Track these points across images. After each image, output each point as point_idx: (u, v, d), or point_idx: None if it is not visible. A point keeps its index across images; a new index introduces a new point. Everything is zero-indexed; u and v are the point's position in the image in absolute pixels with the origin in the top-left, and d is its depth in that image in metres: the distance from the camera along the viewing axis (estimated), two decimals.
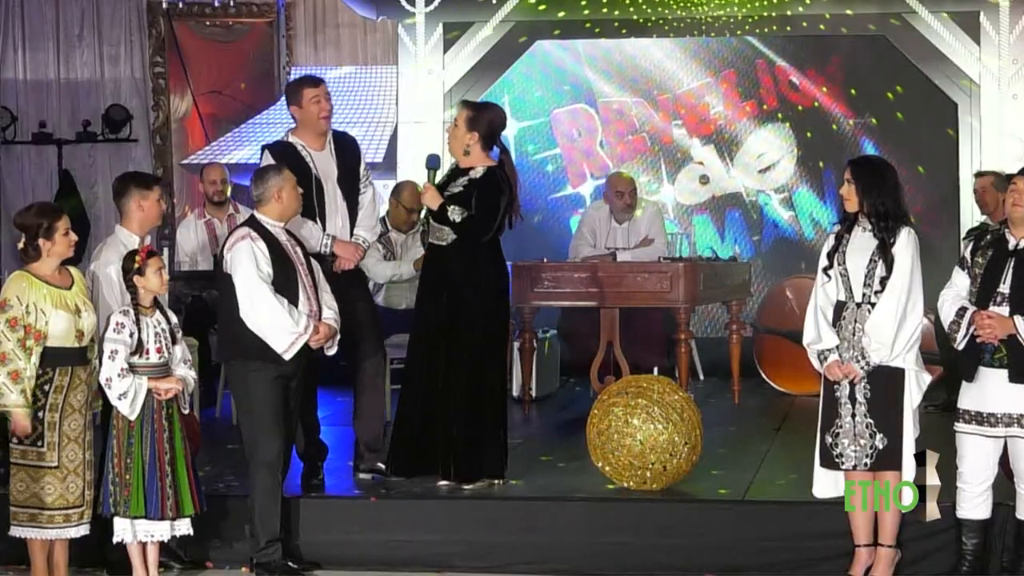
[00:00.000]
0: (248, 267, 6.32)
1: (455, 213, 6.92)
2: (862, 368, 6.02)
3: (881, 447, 6.04)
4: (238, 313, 6.34)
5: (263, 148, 7.29)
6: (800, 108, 11.70)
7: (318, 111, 7.21)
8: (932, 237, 10.79)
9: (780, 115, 11.74)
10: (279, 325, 6.32)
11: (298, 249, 6.59)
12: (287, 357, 6.35)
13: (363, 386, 7.35)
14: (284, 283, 6.40)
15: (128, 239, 6.48)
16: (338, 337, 6.59)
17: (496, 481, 7.04)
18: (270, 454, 6.40)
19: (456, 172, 7.10)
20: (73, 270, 6.31)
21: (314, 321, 6.44)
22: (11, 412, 5.99)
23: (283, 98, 11.86)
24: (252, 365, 6.37)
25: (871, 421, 6.05)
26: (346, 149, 7.38)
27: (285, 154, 7.12)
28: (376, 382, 7.42)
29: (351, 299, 7.22)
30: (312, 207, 7.12)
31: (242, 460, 6.64)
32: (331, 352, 6.61)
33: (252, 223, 6.49)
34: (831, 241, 6.19)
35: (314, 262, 6.68)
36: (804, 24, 11.46)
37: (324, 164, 7.24)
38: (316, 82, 7.29)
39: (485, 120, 7.06)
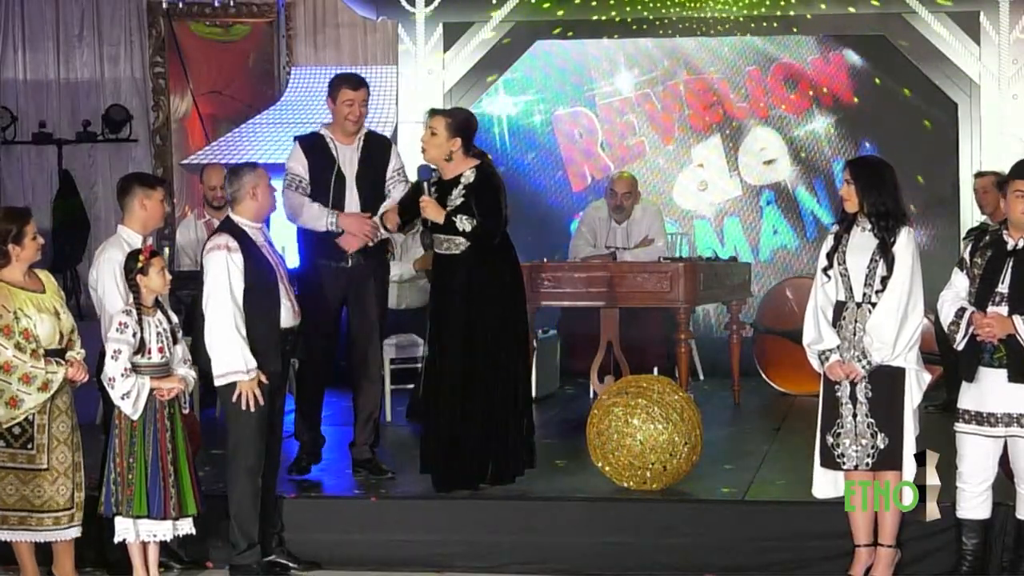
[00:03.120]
0: (220, 281, 6.25)
1: (464, 223, 6.87)
2: (864, 368, 6.02)
3: (882, 447, 6.05)
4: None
5: (295, 139, 7.43)
6: (800, 107, 11.70)
7: (347, 113, 7.29)
8: (932, 237, 10.81)
9: (780, 114, 11.74)
10: (228, 352, 6.24)
11: (274, 250, 6.55)
12: (216, 383, 6.26)
13: (358, 384, 7.42)
14: (264, 287, 6.36)
15: (131, 238, 6.45)
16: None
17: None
18: (251, 458, 6.38)
19: (445, 183, 7.02)
20: (42, 273, 6.27)
21: (299, 318, 6.45)
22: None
23: (283, 98, 11.97)
24: None
25: (872, 421, 6.06)
26: (376, 149, 7.41)
27: (312, 144, 7.28)
28: (371, 382, 7.46)
29: (362, 294, 7.26)
30: (328, 198, 7.17)
31: None
32: None
33: (229, 227, 6.42)
34: (830, 241, 6.19)
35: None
36: (804, 24, 11.46)
37: (349, 159, 7.29)
38: (356, 86, 7.33)
39: (465, 123, 7.00)
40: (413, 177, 7.24)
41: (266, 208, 6.52)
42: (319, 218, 7.19)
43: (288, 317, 6.44)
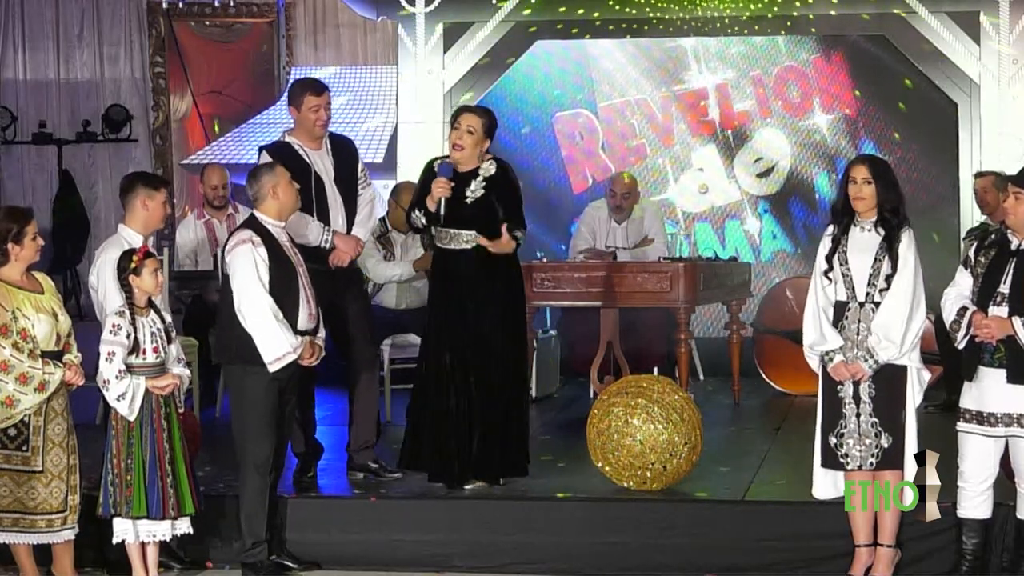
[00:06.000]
0: (248, 273, 6.28)
1: (519, 236, 6.95)
2: (870, 367, 6.02)
3: (887, 446, 6.05)
4: (237, 316, 6.32)
5: (260, 149, 7.31)
6: (800, 108, 11.70)
7: (315, 119, 7.22)
8: (932, 237, 10.80)
9: (780, 115, 11.73)
10: (274, 338, 6.29)
11: (297, 251, 6.57)
12: (271, 370, 6.31)
13: (357, 385, 7.36)
14: (286, 286, 6.36)
15: (131, 238, 6.44)
16: (323, 354, 6.58)
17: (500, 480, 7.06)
18: (260, 456, 6.38)
19: (463, 175, 6.99)
20: (40, 275, 6.25)
21: (315, 322, 6.47)
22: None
23: (283, 98, 11.93)
24: (250, 368, 6.33)
25: (876, 420, 6.06)
26: (343, 150, 7.40)
27: (282, 154, 7.14)
28: (370, 382, 7.42)
29: (347, 298, 7.26)
30: (312, 204, 7.14)
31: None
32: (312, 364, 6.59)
33: (253, 224, 6.44)
34: (827, 243, 6.16)
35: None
36: (804, 24, 11.46)
37: (322, 163, 7.26)
38: (319, 90, 7.26)
39: (494, 125, 7.06)
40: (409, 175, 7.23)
41: (288, 206, 6.51)
42: (316, 234, 7.17)
43: (305, 319, 6.44)
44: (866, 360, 6.03)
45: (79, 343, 6.27)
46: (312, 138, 7.25)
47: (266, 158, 7.10)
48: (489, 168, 6.97)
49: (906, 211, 6.14)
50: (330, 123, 7.34)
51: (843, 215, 6.15)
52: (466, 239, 6.95)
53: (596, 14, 11.57)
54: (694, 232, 11.63)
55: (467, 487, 6.96)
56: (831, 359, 6.08)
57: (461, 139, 6.95)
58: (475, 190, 6.94)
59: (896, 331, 5.98)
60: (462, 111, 7.08)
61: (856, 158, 6.34)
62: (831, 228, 6.19)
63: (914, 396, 6.09)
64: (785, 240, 11.72)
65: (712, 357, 10.78)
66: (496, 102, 11.78)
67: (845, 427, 6.10)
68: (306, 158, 7.21)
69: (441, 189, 6.91)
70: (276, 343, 6.29)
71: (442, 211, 6.92)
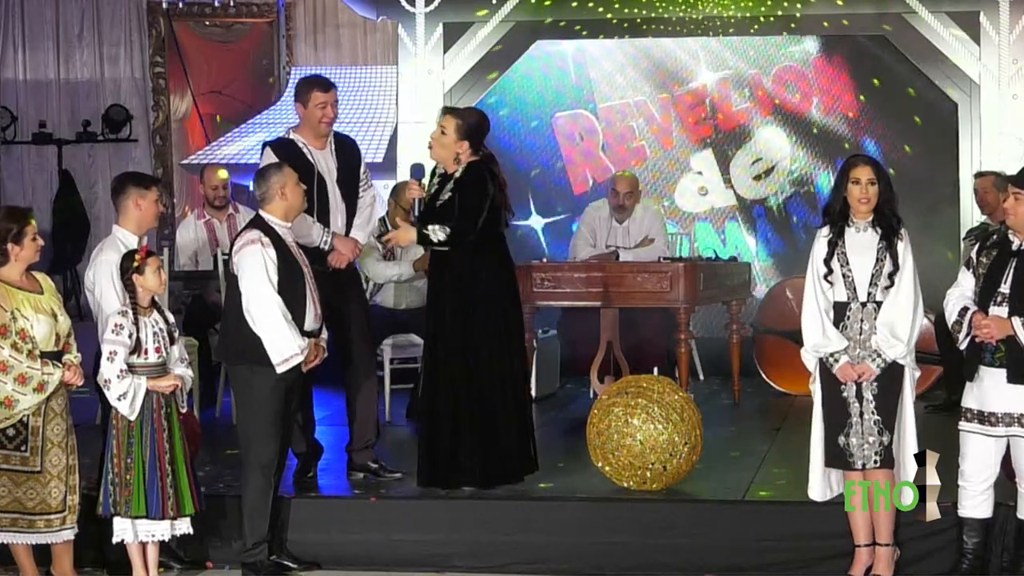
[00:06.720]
0: (258, 273, 6.28)
1: (437, 233, 6.87)
2: (878, 367, 6.03)
3: (887, 443, 6.06)
4: (244, 316, 6.32)
5: (264, 144, 7.30)
6: (799, 109, 11.69)
7: (321, 116, 7.23)
8: (931, 237, 10.79)
9: (780, 115, 11.73)
10: (283, 339, 6.31)
11: (302, 252, 6.57)
12: (279, 371, 6.32)
13: (356, 386, 7.36)
14: (292, 287, 6.37)
15: (126, 239, 6.44)
16: (325, 355, 6.60)
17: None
18: (265, 456, 6.39)
19: (447, 176, 7.05)
20: (40, 275, 6.25)
21: (319, 323, 6.47)
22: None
23: (283, 98, 11.95)
24: (256, 368, 6.35)
25: (879, 419, 6.06)
26: (347, 150, 7.40)
27: (287, 151, 7.14)
28: (369, 382, 7.42)
29: (346, 299, 7.26)
30: (313, 204, 7.14)
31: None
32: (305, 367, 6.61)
33: (260, 224, 6.44)
34: (824, 245, 6.14)
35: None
36: (805, 24, 11.45)
37: (325, 162, 7.26)
38: (327, 87, 7.28)
39: (476, 127, 7.03)
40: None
41: (295, 207, 6.52)
42: (317, 235, 7.17)
43: (312, 320, 6.45)
44: (874, 360, 6.03)
45: (79, 343, 6.27)
46: (317, 136, 7.26)
47: (269, 153, 7.11)
48: (459, 170, 6.99)
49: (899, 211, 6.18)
50: (334, 123, 7.34)
51: (835, 217, 6.14)
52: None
53: (596, 15, 11.57)
54: (694, 232, 11.62)
55: (466, 487, 6.96)
56: (837, 360, 6.08)
57: (433, 138, 7.05)
58: (445, 192, 6.97)
59: (903, 329, 6.00)
60: (442, 112, 7.17)
61: (855, 159, 6.27)
62: (826, 230, 6.18)
63: (910, 393, 6.10)
64: (785, 240, 11.71)
65: (712, 357, 10.77)
66: (496, 102, 11.80)
67: (851, 426, 6.10)
68: (310, 157, 7.21)
69: (412, 191, 7.07)
70: (285, 344, 6.30)
71: (415, 212, 7.02)
